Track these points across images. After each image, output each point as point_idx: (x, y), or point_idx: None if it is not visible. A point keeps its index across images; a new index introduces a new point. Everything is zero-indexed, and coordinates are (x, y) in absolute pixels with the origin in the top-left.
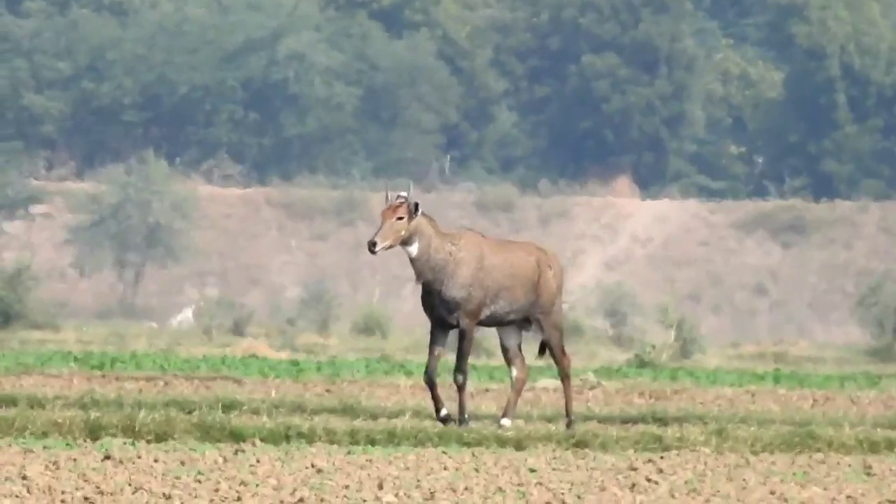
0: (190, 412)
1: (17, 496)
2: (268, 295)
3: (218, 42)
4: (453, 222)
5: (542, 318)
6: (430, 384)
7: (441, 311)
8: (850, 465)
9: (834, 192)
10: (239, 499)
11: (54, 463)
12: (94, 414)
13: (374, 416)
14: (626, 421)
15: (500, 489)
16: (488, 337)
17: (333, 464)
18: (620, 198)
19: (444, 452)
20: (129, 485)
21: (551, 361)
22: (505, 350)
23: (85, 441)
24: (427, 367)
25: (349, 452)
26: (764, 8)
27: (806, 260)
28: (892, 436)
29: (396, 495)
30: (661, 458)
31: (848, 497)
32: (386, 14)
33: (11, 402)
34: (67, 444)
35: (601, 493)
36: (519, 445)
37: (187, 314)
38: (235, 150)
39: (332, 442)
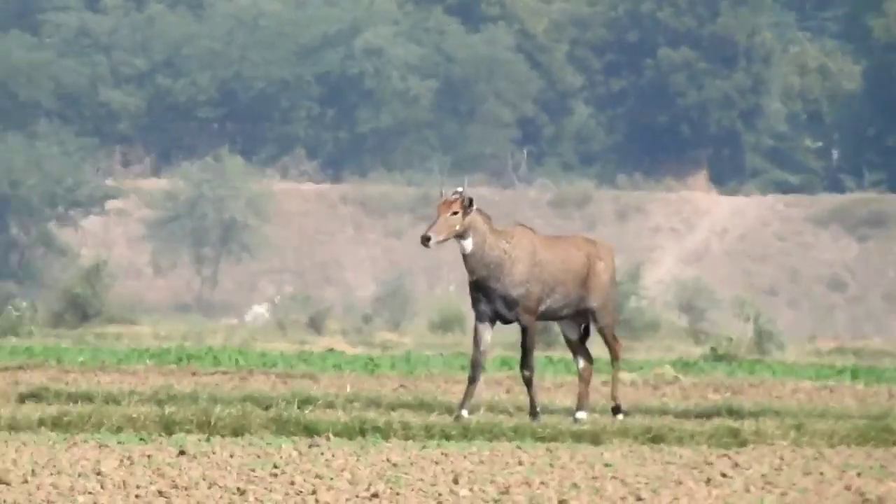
0: (266, 407)
1: (90, 492)
2: (343, 292)
3: (294, 37)
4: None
5: (595, 310)
6: (473, 378)
7: (500, 308)
8: None
9: None
10: (314, 492)
11: (129, 458)
12: (168, 409)
13: (450, 411)
14: (702, 415)
15: (575, 484)
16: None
17: (409, 458)
18: (697, 192)
19: (518, 447)
20: (204, 479)
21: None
22: (569, 342)
23: (159, 436)
24: (473, 361)
25: (424, 447)
26: (841, 1)
27: (883, 254)
28: None
29: (471, 490)
30: (737, 452)
31: None
32: (462, 8)
33: (87, 398)
34: (142, 440)
35: (677, 487)
36: (594, 440)
37: (261, 310)
38: (311, 146)
39: (407, 437)
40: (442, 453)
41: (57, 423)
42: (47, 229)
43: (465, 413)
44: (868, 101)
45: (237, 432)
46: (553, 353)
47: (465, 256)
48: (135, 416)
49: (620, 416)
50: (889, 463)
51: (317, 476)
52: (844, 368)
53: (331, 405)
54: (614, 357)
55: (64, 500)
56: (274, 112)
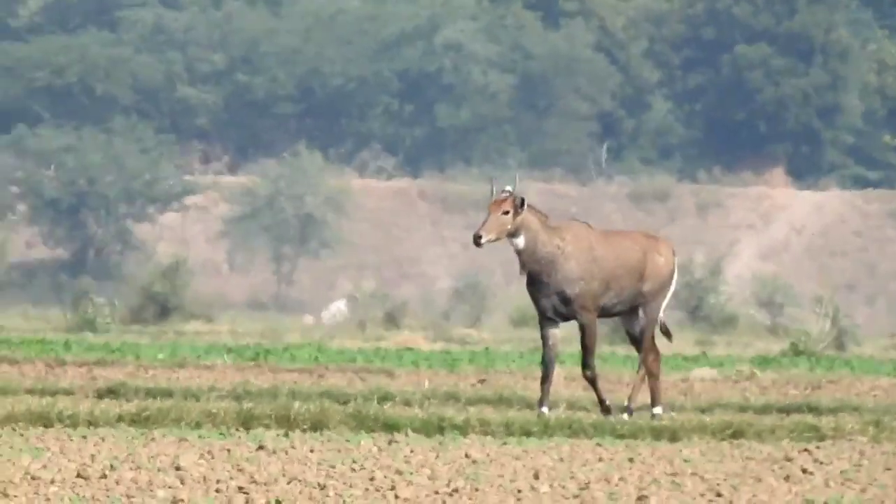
0: (345, 403)
1: (171, 486)
2: (421, 288)
3: (373, 33)
4: (608, 215)
5: (644, 306)
6: (546, 377)
7: (557, 304)
8: None
9: None
10: (393, 488)
11: (209, 452)
12: (247, 404)
13: (529, 407)
14: (782, 410)
15: (654, 480)
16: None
17: (488, 455)
18: (776, 188)
19: (598, 444)
20: (283, 475)
21: (705, 350)
22: (632, 337)
23: (238, 431)
24: (544, 359)
25: (504, 443)
26: None
27: None
28: None
29: (551, 486)
30: (817, 447)
31: None
32: (541, 4)
33: (167, 393)
34: (221, 434)
35: (756, 483)
36: (673, 437)
37: (339, 306)
38: (389, 142)
39: (486, 433)
40: (522, 450)
41: (136, 419)
42: (124, 225)
43: (545, 410)
44: None
45: (316, 428)
46: (632, 351)
47: (517, 252)
48: (214, 411)
49: (625, 416)
50: None
51: (396, 472)
52: None
53: (408, 402)
54: (644, 362)
55: (143, 495)
56: (352, 108)
